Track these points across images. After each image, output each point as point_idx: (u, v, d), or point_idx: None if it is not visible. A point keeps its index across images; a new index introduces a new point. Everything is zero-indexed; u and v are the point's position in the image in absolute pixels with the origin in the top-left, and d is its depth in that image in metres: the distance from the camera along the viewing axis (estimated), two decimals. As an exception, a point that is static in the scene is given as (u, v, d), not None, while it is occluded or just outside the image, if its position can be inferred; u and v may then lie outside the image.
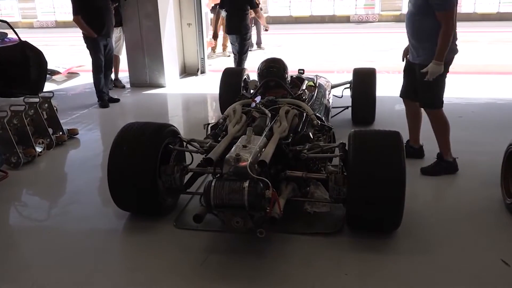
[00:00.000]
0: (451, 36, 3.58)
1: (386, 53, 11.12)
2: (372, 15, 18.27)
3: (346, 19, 18.34)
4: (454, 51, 3.81)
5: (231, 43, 7.37)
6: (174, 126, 3.44)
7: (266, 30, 7.84)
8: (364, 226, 3.09)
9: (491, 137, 4.90)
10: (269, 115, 3.52)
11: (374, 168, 2.84)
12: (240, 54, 7.17)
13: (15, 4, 20.88)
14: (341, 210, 3.27)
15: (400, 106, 6.34)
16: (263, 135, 3.15)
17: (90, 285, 2.70)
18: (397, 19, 18.03)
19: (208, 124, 3.85)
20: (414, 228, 3.13)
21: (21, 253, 3.14)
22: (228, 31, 7.28)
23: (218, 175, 2.89)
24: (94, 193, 4.01)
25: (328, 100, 4.90)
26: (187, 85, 8.11)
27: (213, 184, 2.66)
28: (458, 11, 3.69)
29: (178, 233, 3.20)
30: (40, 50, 6.08)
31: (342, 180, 2.98)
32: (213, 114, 6.54)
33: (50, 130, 4.96)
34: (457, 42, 3.82)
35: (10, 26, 6.16)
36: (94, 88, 6.67)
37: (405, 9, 18.07)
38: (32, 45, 6.03)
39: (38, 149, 4.68)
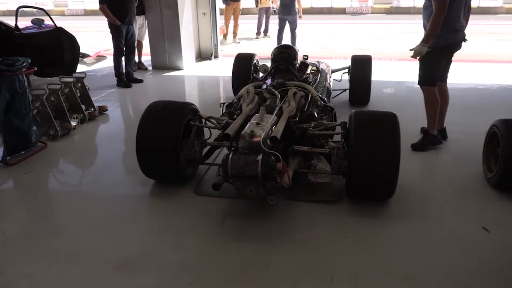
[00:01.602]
0: (438, 21, 3.52)
1: (379, 42, 10.92)
2: (366, 7, 17.89)
3: (342, 11, 17.97)
4: (453, 38, 3.72)
5: (281, 19, 8.88)
6: (194, 105, 3.39)
7: (300, 17, 8.95)
8: (362, 195, 3.07)
9: (472, 119, 4.83)
10: (279, 96, 3.48)
11: (373, 144, 2.83)
12: (294, 30, 8.81)
13: (49, -6, 20.61)
14: (340, 181, 3.26)
15: (390, 90, 6.29)
16: (274, 113, 3.12)
17: (122, 243, 2.70)
18: (388, 12, 17.70)
19: (224, 103, 3.81)
20: (405, 198, 3.11)
21: (60, 214, 3.14)
22: (283, 13, 8.78)
23: (233, 148, 2.87)
24: (122, 163, 3.99)
25: (329, 83, 4.82)
26: (202, 68, 8.00)
27: (230, 156, 2.65)
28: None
29: (197, 199, 3.19)
30: (73, 35, 5.98)
31: (343, 155, 2.98)
32: (224, 94, 6.45)
33: (83, 107, 4.91)
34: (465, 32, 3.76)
35: (46, 13, 6.03)
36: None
37: (394, 3, 17.82)
38: (66, 30, 5.91)
39: (73, 123, 4.63)
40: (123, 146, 4.41)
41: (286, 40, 8.96)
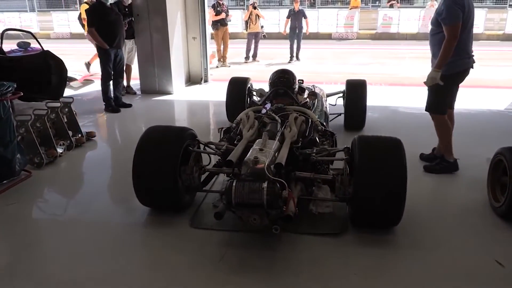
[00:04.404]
0: (451, 46, 3.48)
1: (366, 67, 11.00)
2: (351, 33, 18.15)
3: (328, 36, 18.20)
4: (467, 63, 3.68)
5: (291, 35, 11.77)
6: (192, 130, 3.29)
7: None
8: (367, 223, 2.95)
9: (468, 144, 4.75)
10: (279, 121, 3.41)
11: (379, 171, 2.75)
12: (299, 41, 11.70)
13: (34, 17, 20.44)
14: (343, 210, 3.14)
15: (383, 114, 6.23)
16: (276, 139, 3.04)
17: (113, 280, 2.49)
18: (372, 37, 17.97)
19: (222, 128, 3.71)
20: (410, 227, 2.99)
21: (45, 248, 2.90)
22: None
23: (231, 174, 2.82)
24: (112, 192, 3.80)
25: (326, 107, 4.76)
26: (191, 92, 7.86)
27: (234, 184, 2.51)
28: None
29: (194, 231, 3.00)
30: (61, 59, 5.81)
31: (348, 181, 2.88)
32: (215, 119, 6.34)
33: (70, 133, 4.71)
34: (474, 59, 3.72)
35: (33, 36, 5.87)
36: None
37: (379, 29, 18.13)
38: (53, 54, 5.74)
39: (59, 150, 4.42)
40: (112, 174, 4.22)
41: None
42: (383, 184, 2.70)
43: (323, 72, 10.27)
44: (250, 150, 2.81)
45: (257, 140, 2.99)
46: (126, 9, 6.94)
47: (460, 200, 3.48)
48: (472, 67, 3.73)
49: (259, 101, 4.31)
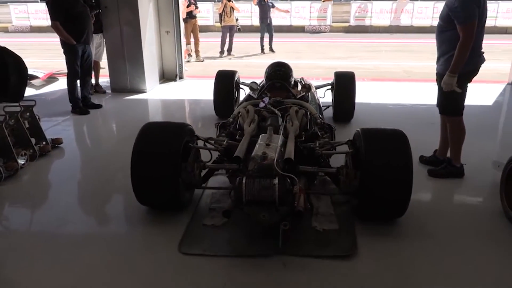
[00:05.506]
0: (468, 48, 3.21)
1: (345, 61, 10.78)
2: (324, 26, 18.01)
3: (301, 29, 17.97)
4: (477, 62, 3.44)
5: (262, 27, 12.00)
6: (191, 126, 3.17)
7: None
8: (373, 215, 2.90)
9: (467, 143, 4.54)
10: (279, 114, 3.33)
11: (386, 162, 2.71)
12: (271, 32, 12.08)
13: (-10, 9, 19.19)
14: (349, 228, 2.85)
15: (365, 110, 5.93)
16: (280, 133, 2.98)
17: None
18: (345, 30, 17.89)
19: (218, 123, 3.62)
20: (426, 241, 2.75)
21: (6, 282, 2.43)
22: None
23: (236, 171, 2.83)
24: (84, 209, 3.34)
25: (318, 99, 4.57)
26: (166, 90, 7.35)
27: (243, 181, 2.42)
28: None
29: (186, 259, 2.59)
30: (19, 56, 5.19)
31: (353, 174, 2.84)
32: (194, 119, 5.91)
33: (33, 140, 4.16)
34: (484, 55, 3.48)
35: (-14, 31, 5.23)
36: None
37: (352, 22, 18.02)
38: (11, 51, 5.11)
39: (21, 162, 3.88)
40: (83, 186, 3.75)
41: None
42: (390, 175, 2.70)
43: (301, 66, 9.95)
44: (257, 146, 2.71)
45: (261, 135, 2.89)
46: (93, 1, 6.37)
47: (470, 208, 3.28)
48: (480, 66, 3.48)
49: (253, 93, 4.16)
